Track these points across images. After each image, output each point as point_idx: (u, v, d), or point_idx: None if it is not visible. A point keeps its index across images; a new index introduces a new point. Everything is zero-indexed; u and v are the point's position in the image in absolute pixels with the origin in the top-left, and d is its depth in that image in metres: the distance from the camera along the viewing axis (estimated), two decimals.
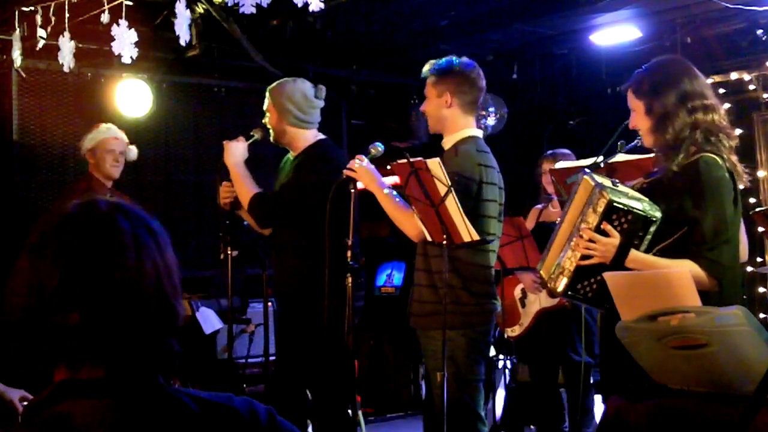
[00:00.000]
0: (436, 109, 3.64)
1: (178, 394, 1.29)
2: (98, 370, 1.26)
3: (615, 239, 2.72)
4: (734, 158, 2.83)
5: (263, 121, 4.19)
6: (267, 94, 4.20)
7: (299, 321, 4.03)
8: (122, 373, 1.27)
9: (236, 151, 4.11)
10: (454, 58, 3.68)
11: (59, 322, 1.23)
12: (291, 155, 4.25)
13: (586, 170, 2.93)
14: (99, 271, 1.24)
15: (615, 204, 2.71)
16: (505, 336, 5.24)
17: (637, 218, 2.72)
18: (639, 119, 2.93)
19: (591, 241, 2.75)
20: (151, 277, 1.27)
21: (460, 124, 3.63)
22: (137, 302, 1.25)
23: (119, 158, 5.15)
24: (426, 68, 3.69)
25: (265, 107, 4.19)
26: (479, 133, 3.67)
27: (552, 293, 3.01)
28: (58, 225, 1.28)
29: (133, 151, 5.32)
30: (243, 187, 4.09)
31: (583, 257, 2.78)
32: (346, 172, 3.59)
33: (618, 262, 2.74)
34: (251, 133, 4.15)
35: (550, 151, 5.22)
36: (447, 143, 3.65)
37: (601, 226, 2.73)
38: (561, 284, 2.84)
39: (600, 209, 2.73)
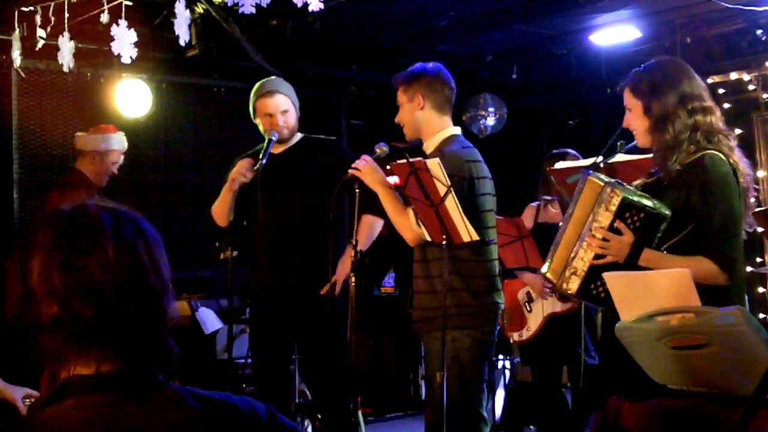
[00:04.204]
0: (410, 114, 3.65)
1: (179, 391, 1.31)
2: (99, 367, 1.28)
3: (629, 237, 2.71)
4: (735, 157, 2.83)
5: (281, 124, 4.13)
6: (286, 95, 4.17)
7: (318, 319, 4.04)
8: (121, 369, 1.29)
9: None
10: (419, 64, 3.69)
11: (42, 314, 1.26)
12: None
13: (589, 171, 2.92)
14: (77, 263, 1.26)
15: (628, 201, 2.70)
16: (511, 341, 5.20)
17: (649, 216, 2.71)
18: (635, 119, 2.93)
19: (605, 240, 2.73)
20: (134, 273, 1.29)
21: (436, 125, 3.63)
22: (118, 296, 1.27)
23: (116, 171, 5.18)
24: (394, 80, 3.71)
25: (286, 108, 4.16)
26: (458, 131, 3.68)
27: (563, 295, 2.99)
28: (44, 220, 1.32)
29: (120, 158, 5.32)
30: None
31: (597, 257, 2.76)
32: (351, 171, 3.60)
33: (632, 260, 2.72)
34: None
35: (557, 150, 5.13)
36: (428, 147, 3.65)
37: (615, 225, 2.71)
38: (574, 285, 2.81)
39: (613, 207, 2.71)
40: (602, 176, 2.83)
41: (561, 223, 2.97)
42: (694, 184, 2.75)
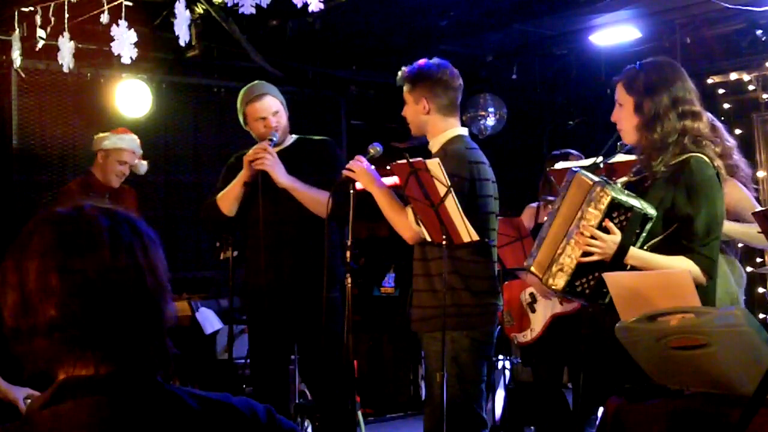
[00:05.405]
0: (415, 115, 3.65)
1: (178, 392, 1.31)
2: (98, 368, 1.28)
3: (616, 236, 2.74)
4: (719, 162, 2.86)
5: (274, 126, 4.10)
6: (274, 96, 4.15)
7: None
8: (119, 371, 1.28)
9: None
10: (425, 61, 3.67)
11: (40, 318, 1.25)
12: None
13: (576, 168, 2.94)
14: (75, 266, 1.25)
15: (617, 201, 2.73)
16: (515, 342, 5.18)
17: (637, 215, 2.74)
18: (625, 115, 2.93)
19: (593, 238, 2.75)
20: (131, 275, 1.29)
21: (441, 127, 3.63)
22: (115, 298, 1.27)
23: (126, 171, 5.21)
24: (399, 75, 3.68)
25: (276, 109, 4.13)
26: (464, 131, 3.67)
27: (549, 290, 3.00)
28: (40, 223, 1.30)
29: (144, 166, 5.35)
30: (307, 193, 4.01)
31: (584, 254, 2.79)
32: (345, 172, 3.60)
33: (618, 259, 2.75)
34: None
35: (559, 150, 5.10)
36: (433, 146, 3.65)
37: (603, 224, 2.74)
38: (561, 282, 2.84)
39: (602, 206, 2.74)
40: (590, 174, 2.85)
41: (546, 218, 2.98)
42: (680, 186, 2.79)
